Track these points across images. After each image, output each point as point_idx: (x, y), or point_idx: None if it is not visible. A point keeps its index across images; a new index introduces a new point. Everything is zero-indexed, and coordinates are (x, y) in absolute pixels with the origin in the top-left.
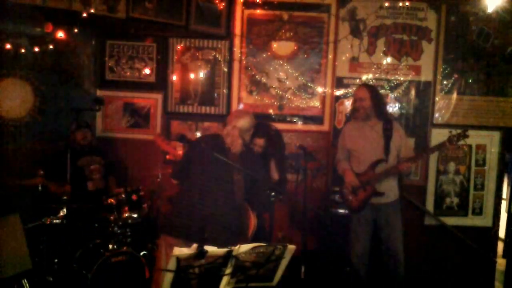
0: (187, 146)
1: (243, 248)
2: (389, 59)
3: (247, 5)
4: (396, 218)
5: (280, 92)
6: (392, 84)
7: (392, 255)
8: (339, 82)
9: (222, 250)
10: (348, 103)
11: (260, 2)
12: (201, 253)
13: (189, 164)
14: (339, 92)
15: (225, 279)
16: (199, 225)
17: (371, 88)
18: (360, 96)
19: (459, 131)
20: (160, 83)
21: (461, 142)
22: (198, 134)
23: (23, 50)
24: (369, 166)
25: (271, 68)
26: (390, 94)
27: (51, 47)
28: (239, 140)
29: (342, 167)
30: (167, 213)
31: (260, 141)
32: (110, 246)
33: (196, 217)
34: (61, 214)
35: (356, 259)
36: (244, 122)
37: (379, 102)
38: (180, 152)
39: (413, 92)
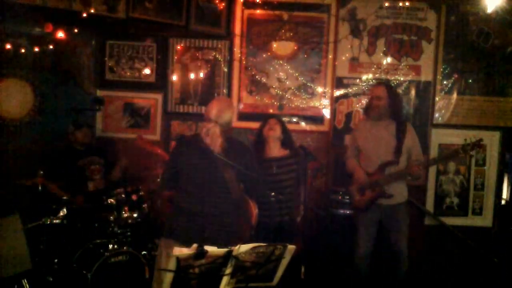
0: (169, 154)
1: (243, 248)
2: (389, 59)
3: (247, 5)
4: (403, 220)
5: (280, 92)
6: (392, 84)
7: (396, 257)
8: (339, 82)
9: (222, 250)
10: (347, 103)
11: (260, 2)
12: (201, 253)
13: (177, 170)
14: (339, 92)
15: (225, 279)
16: (199, 226)
17: (389, 88)
18: (378, 94)
19: (473, 140)
20: (160, 83)
21: (474, 152)
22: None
23: (23, 50)
24: (378, 167)
25: (271, 68)
26: None
27: (51, 47)
28: (219, 140)
29: (351, 164)
30: (166, 216)
31: (277, 128)
32: (110, 246)
33: (195, 218)
34: (61, 214)
35: (359, 259)
36: (227, 117)
37: (395, 103)
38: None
39: (413, 92)
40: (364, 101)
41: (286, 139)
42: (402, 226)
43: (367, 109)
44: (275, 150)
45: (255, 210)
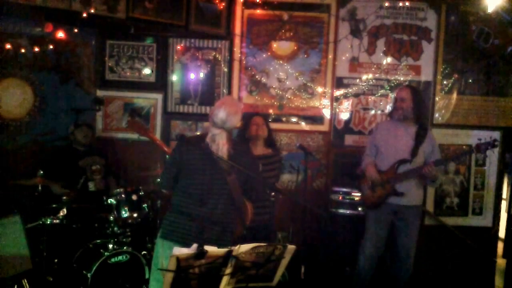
0: (172, 152)
1: (243, 248)
2: (389, 59)
3: (247, 5)
4: (414, 224)
5: (280, 92)
6: (392, 84)
7: (401, 261)
8: (339, 82)
9: (222, 250)
10: (347, 103)
11: (260, 2)
12: (201, 253)
13: (177, 170)
14: (339, 92)
15: (225, 279)
16: (198, 228)
17: (414, 91)
18: (402, 96)
19: (488, 140)
20: (160, 83)
21: (488, 152)
22: (198, 134)
23: (23, 50)
24: (392, 165)
25: (271, 68)
26: (390, 94)
27: (51, 47)
28: (226, 146)
29: (365, 161)
30: (164, 217)
31: (264, 128)
32: (110, 246)
33: (195, 220)
34: (61, 214)
35: (364, 259)
36: (235, 122)
37: (419, 106)
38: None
39: None
40: (365, 101)
41: (270, 138)
42: (412, 230)
43: (392, 111)
44: (259, 148)
45: (250, 208)
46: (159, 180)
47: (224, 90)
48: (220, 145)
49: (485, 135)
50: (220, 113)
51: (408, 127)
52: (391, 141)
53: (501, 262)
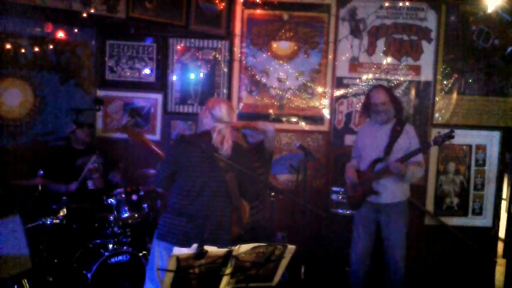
0: (168, 151)
1: (243, 248)
2: (389, 59)
3: (247, 5)
4: (398, 221)
5: (280, 92)
6: (392, 84)
7: (390, 257)
8: (339, 82)
9: (222, 250)
10: (347, 103)
11: (260, 2)
12: (201, 253)
13: (175, 169)
14: (339, 92)
15: (225, 279)
16: (198, 228)
17: (388, 91)
18: (381, 100)
19: (446, 131)
20: (160, 83)
21: (446, 143)
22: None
23: (23, 50)
24: (369, 165)
25: (271, 68)
26: None
27: (51, 47)
28: (230, 140)
29: (348, 163)
30: (160, 219)
31: None
32: (110, 246)
33: (194, 220)
34: (61, 214)
35: (355, 258)
36: (235, 115)
37: (397, 103)
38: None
39: (413, 92)
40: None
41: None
42: (397, 227)
43: (368, 111)
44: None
45: (247, 208)
46: (154, 178)
47: (224, 90)
48: (226, 138)
49: (485, 135)
50: (222, 109)
51: (385, 125)
52: (369, 142)
53: (501, 262)
